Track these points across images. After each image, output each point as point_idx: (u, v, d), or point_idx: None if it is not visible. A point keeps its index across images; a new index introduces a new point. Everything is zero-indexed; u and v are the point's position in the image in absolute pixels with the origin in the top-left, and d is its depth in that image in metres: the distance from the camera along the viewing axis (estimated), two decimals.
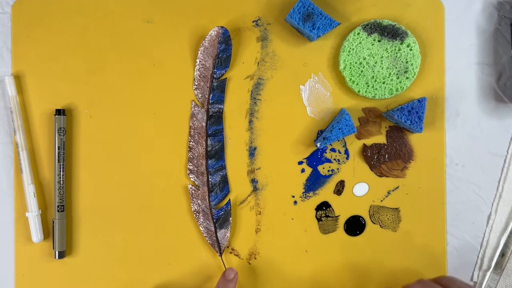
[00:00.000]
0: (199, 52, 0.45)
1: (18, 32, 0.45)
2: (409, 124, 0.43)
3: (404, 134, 0.46)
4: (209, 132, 0.45)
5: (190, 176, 0.45)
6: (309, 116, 0.46)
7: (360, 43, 0.44)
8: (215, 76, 0.45)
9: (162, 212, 0.45)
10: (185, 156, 0.45)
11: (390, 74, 0.44)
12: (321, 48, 0.46)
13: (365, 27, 0.44)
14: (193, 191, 0.45)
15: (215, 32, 0.44)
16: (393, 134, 0.46)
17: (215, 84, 0.45)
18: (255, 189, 0.46)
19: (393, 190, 0.46)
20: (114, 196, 0.45)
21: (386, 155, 0.46)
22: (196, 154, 0.45)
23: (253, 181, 0.46)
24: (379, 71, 0.44)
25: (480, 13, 0.46)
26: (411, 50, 0.44)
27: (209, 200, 0.45)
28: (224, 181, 0.45)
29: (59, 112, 0.44)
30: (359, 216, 0.46)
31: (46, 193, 0.45)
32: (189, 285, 0.45)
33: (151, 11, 0.45)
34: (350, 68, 0.44)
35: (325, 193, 0.46)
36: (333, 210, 0.46)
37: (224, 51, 0.45)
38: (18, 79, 0.44)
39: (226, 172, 0.46)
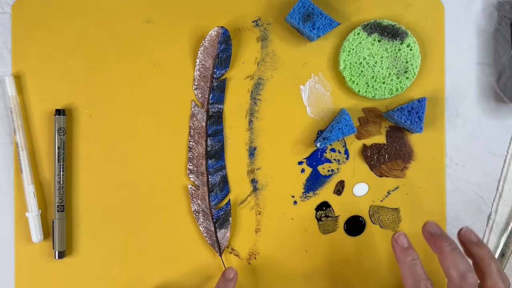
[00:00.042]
0: (199, 52, 0.45)
1: (18, 32, 0.45)
2: (409, 124, 0.43)
3: (404, 134, 0.46)
4: (209, 132, 0.45)
5: (190, 176, 0.45)
6: (309, 116, 0.46)
7: (360, 43, 0.44)
8: (215, 76, 0.45)
9: (162, 212, 0.45)
10: (185, 156, 0.45)
11: (390, 74, 0.44)
12: (321, 48, 0.46)
13: (365, 27, 0.44)
14: (193, 191, 0.45)
15: (215, 32, 0.44)
16: (393, 134, 0.46)
17: (215, 84, 0.45)
18: (255, 189, 0.46)
19: (393, 190, 0.46)
20: (114, 196, 0.45)
21: (386, 155, 0.46)
22: (196, 154, 0.45)
23: (253, 181, 0.46)
24: (379, 71, 0.44)
25: (480, 13, 0.46)
26: (411, 50, 0.44)
27: (209, 200, 0.45)
28: (224, 181, 0.45)
29: (59, 112, 0.44)
30: (359, 216, 0.46)
31: (46, 193, 0.45)
32: (189, 285, 0.45)
33: (151, 11, 0.45)
34: (350, 68, 0.44)
35: (325, 193, 0.46)
36: (333, 210, 0.46)
37: (224, 51, 0.45)
38: (18, 79, 0.44)
39: (226, 172, 0.46)
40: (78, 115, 0.45)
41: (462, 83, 0.46)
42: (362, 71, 0.44)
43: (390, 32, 0.44)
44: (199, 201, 0.45)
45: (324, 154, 0.46)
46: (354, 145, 0.46)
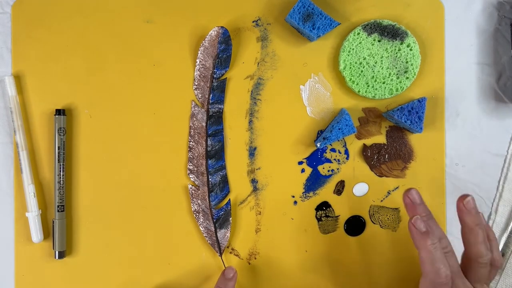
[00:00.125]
0: (199, 52, 0.45)
1: (18, 32, 0.45)
2: (409, 124, 0.43)
3: (404, 134, 0.46)
4: (209, 132, 0.45)
5: (190, 176, 0.45)
6: (309, 116, 0.46)
7: (360, 43, 0.44)
8: (215, 76, 0.45)
9: (162, 212, 0.45)
10: (185, 156, 0.45)
11: (390, 74, 0.44)
12: (321, 48, 0.46)
13: (365, 27, 0.44)
14: (193, 191, 0.45)
15: (215, 32, 0.44)
16: (393, 134, 0.46)
17: (215, 84, 0.45)
18: (255, 189, 0.46)
19: (393, 190, 0.46)
20: (114, 196, 0.45)
21: (386, 155, 0.46)
22: (196, 154, 0.45)
23: (253, 181, 0.46)
24: (379, 71, 0.44)
25: (480, 13, 0.46)
26: (411, 50, 0.44)
27: (209, 200, 0.45)
28: (224, 181, 0.45)
29: (59, 112, 0.44)
30: (359, 216, 0.46)
31: (46, 193, 0.45)
32: (189, 285, 0.45)
33: (151, 11, 0.45)
34: (350, 68, 0.44)
35: (325, 193, 0.46)
36: (333, 210, 0.46)
37: (224, 51, 0.45)
38: (18, 79, 0.44)
39: (226, 172, 0.46)
40: (78, 115, 0.45)
41: (462, 83, 0.46)
42: (362, 71, 0.44)
43: (390, 32, 0.44)
44: (199, 201, 0.45)
45: (324, 154, 0.46)
46: (354, 145, 0.46)
